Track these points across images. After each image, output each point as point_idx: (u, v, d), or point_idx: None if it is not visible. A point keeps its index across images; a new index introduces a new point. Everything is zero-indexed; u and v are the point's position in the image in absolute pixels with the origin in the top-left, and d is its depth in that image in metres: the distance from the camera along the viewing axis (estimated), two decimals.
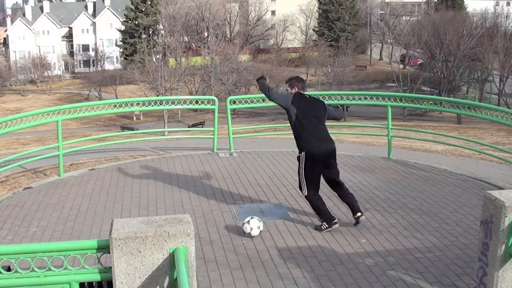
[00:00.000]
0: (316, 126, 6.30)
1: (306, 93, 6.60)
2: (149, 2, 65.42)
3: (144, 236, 3.19)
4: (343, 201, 6.61)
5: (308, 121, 6.25)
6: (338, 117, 6.92)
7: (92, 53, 79.68)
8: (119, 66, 70.57)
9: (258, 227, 6.11)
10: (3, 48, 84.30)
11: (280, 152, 10.27)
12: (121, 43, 67.85)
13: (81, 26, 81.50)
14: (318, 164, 6.30)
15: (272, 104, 10.99)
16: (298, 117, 6.25)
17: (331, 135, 6.51)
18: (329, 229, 6.26)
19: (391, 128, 10.07)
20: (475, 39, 52.22)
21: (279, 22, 78.65)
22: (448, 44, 51.32)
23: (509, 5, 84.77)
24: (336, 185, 6.54)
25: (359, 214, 6.39)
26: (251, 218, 6.16)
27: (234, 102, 10.48)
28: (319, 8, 74.89)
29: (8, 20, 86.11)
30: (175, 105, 10.73)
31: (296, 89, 6.43)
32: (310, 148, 6.24)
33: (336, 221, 6.27)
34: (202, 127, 38.89)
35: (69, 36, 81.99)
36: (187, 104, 11.26)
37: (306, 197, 6.40)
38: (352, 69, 61.01)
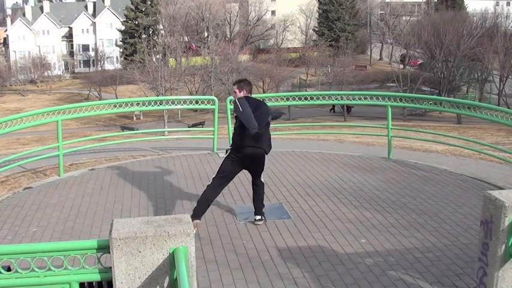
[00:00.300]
0: (259, 130, 6.25)
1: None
2: (149, 2, 65.44)
3: (144, 236, 3.19)
4: (253, 201, 6.72)
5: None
6: (277, 116, 7.03)
7: (92, 53, 79.67)
8: (119, 66, 70.56)
9: None
10: (3, 48, 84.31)
11: (280, 152, 10.27)
12: (121, 43, 67.88)
13: (81, 26, 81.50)
14: (238, 163, 6.42)
15: (272, 104, 11.00)
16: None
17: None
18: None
19: (391, 128, 10.07)
20: (475, 39, 52.17)
21: (279, 22, 78.63)
22: (448, 44, 51.26)
23: (509, 5, 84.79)
24: (254, 180, 6.64)
25: (257, 218, 6.53)
26: None
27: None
28: (319, 8, 74.90)
29: (8, 20, 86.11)
30: (175, 105, 10.73)
31: (245, 92, 6.44)
32: (239, 147, 6.32)
33: (197, 221, 6.13)
34: (202, 127, 38.86)
35: (69, 36, 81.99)
36: (187, 104, 11.25)
37: (208, 185, 6.46)
38: (352, 69, 60.95)
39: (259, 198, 6.67)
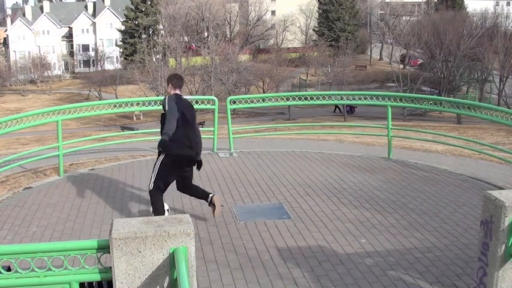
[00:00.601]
0: (193, 128, 6.31)
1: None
2: (149, 2, 65.45)
3: (144, 236, 3.19)
4: (194, 196, 6.73)
5: (187, 122, 6.21)
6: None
7: (92, 53, 79.67)
8: (119, 66, 70.54)
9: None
10: (3, 48, 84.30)
11: (280, 152, 10.28)
12: (121, 43, 67.88)
13: (81, 26, 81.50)
14: (181, 165, 6.36)
15: (272, 104, 11.02)
16: (179, 118, 6.17)
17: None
18: None
19: (391, 128, 10.07)
20: (475, 39, 52.13)
21: (279, 22, 78.62)
22: (448, 44, 51.22)
23: (509, 5, 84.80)
24: (187, 188, 6.64)
25: (211, 196, 6.48)
26: None
27: (234, 102, 10.49)
28: (319, 8, 74.91)
29: (8, 20, 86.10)
30: None
31: (170, 86, 6.43)
32: (181, 149, 6.20)
33: None
34: (203, 127, 38.75)
35: (69, 36, 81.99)
36: None
37: (150, 191, 6.36)
38: (352, 69, 60.89)
39: (198, 190, 6.62)
